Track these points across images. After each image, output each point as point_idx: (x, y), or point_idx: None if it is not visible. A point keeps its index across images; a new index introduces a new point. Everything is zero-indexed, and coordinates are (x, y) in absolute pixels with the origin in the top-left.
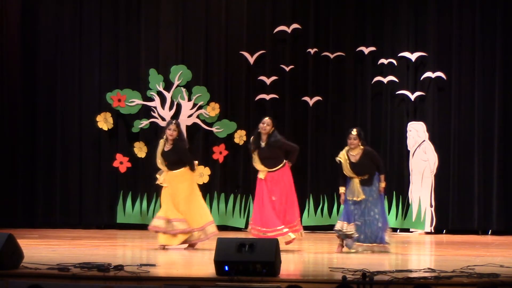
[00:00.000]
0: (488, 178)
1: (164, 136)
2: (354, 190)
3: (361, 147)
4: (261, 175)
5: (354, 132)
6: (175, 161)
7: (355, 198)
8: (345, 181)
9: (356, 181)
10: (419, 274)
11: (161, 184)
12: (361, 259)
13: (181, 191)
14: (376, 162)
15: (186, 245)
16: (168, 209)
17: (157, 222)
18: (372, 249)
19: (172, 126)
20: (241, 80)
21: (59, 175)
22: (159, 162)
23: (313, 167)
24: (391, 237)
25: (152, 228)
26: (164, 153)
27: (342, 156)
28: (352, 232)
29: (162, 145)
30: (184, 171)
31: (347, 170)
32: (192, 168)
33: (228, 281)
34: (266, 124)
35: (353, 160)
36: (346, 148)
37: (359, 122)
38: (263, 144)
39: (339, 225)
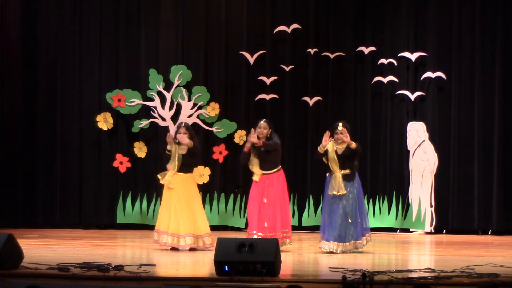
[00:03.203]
0: (488, 178)
1: (176, 140)
2: (336, 185)
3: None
4: (256, 178)
5: (340, 127)
6: (189, 162)
7: (334, 192)
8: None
9: (338, 175)
10: (419, 274)
11: (168, 186)
12: (361, 259)
13: (188, 195)
14: (355, 155)
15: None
16: (177, 222)
17: (169, 240)
18: (345, 249)
19: (182, 130)
20: (241, 80)
21: (59, 175)
22: (174, 164)
23: (313, 167)
24: (369, 241)
25: (168, 246)
26: (179, 156)
27: (330, 146)
28: (335, 250)
29: (176, 148)
30: (192, 175)
31: (332, 161)
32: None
33: (228, 281)
34: (262, 128)
35: (339, 152)
36: (333, 141)
37: (359, 122)
38: (262, 148)
39: (326, 245)
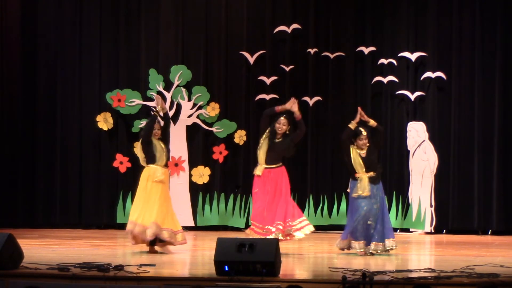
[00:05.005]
0: (488, 178)
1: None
2: (362, 186)
3: (367, 145)
4: (258, 171)
5: (364, 133)
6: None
7: (359, 192)
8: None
9: (365, 178)
10: (419, 274)
11: (159, 179)
12: (361, 259)
13: (158, 190)
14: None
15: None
16: (145, 213)
17: (135, 228)
18: (391, 245)
19: (157, 126)
20: (241, 80)
21: (59, 175)
22: (163, 160)
23: (313, 167)
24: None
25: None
26: (167, 149)
27: (353, 151)
28: (361, 250)
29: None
30: (164, 170)
31: (357, 165)
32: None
33: (228, 281)
34: (282, 124)
35: (363, 155)
36: (355, 147)
37: (359, 122)
38: (277, 140)
39: (355, 245)
